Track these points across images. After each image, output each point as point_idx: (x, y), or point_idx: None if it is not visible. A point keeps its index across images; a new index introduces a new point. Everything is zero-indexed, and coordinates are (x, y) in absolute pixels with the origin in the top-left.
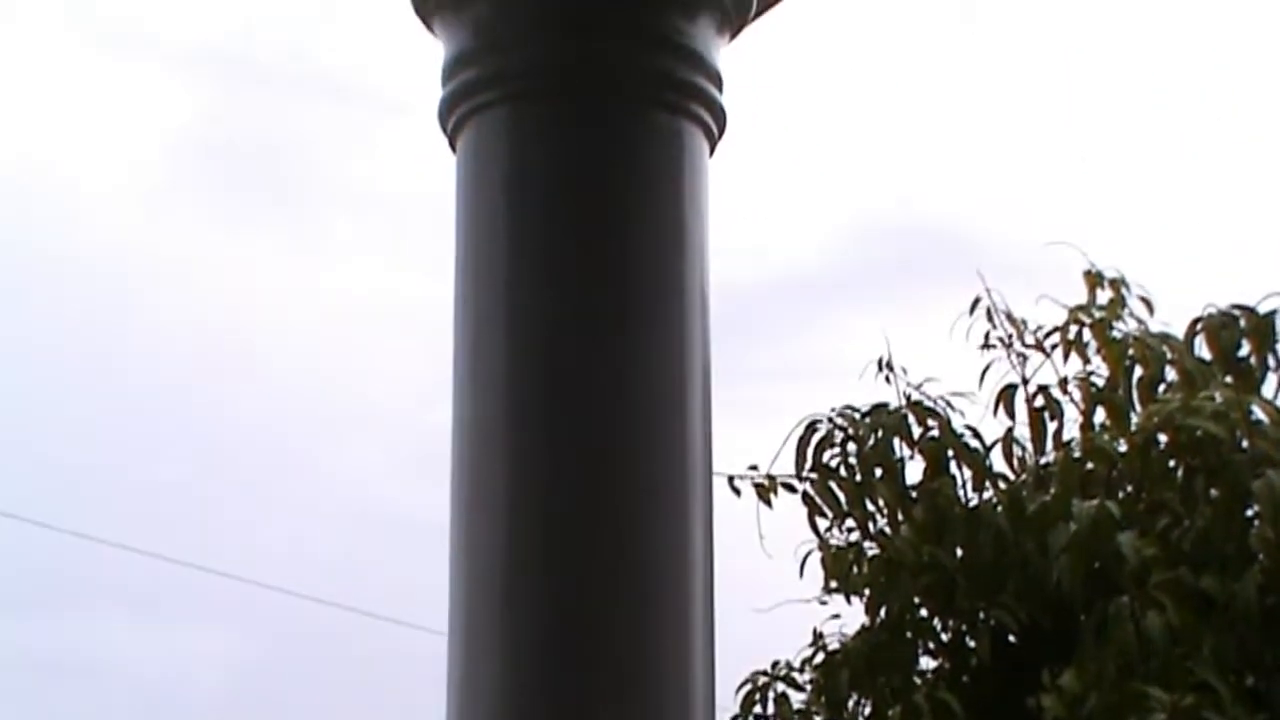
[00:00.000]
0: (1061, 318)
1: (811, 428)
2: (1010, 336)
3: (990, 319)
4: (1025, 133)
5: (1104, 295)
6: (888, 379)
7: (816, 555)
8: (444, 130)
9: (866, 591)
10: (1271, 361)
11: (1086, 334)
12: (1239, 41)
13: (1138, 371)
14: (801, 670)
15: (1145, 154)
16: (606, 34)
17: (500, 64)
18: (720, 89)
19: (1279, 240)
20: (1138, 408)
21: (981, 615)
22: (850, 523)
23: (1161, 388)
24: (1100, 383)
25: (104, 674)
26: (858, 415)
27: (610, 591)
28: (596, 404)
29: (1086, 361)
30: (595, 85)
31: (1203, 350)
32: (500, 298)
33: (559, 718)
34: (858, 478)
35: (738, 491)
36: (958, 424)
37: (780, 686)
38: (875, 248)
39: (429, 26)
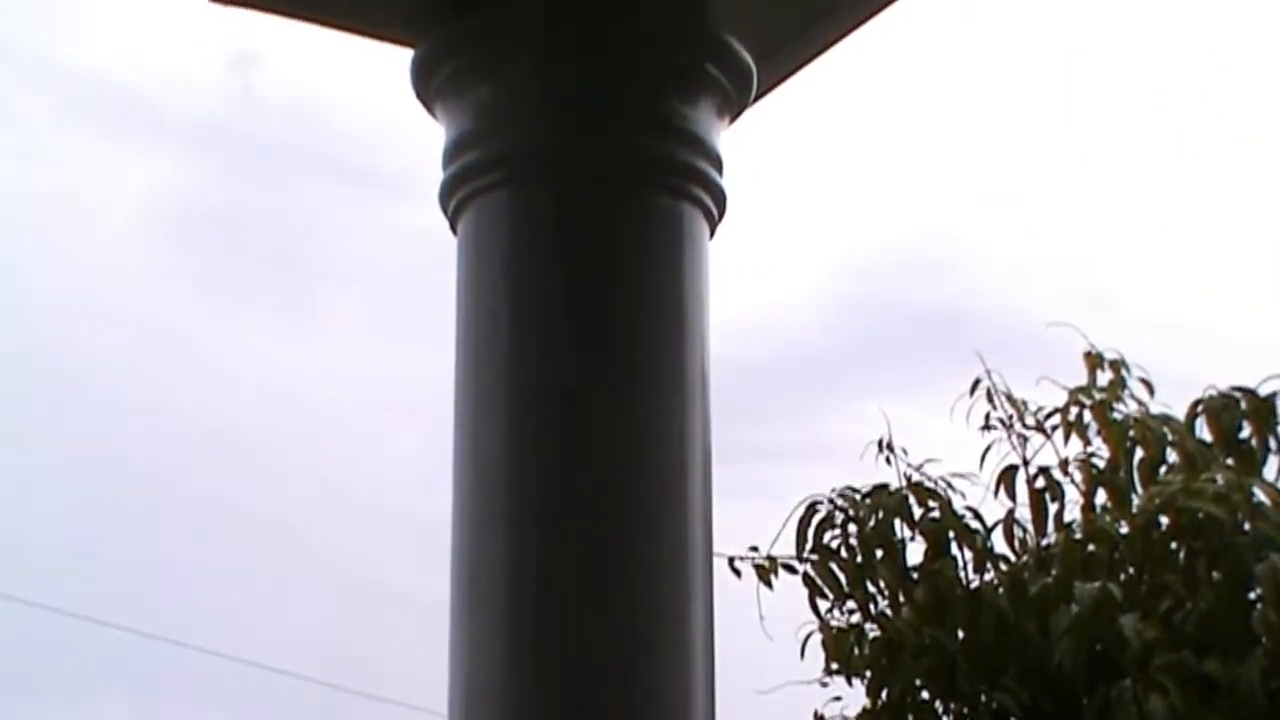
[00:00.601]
0: (1062, 399)
1: (812, 508)
2: (1011, 417)
3: (991, 400)
4: (1024, 208)
5: (1104, 377)
6: (888, 460)
7: (817, 637)
8: (445, 212)
9: (868, 673)
10: (1272, 444)
11: (1087, 415)
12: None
13: (1139, 453)
14: None
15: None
16: (607, 118)
17: (501, 148)
18: (720, 172)
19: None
20: (1139, 489)
21: (983, 698)
22: (851, 604)
23: (1163, 469)
24: (1101, 464)
25: None
26: (858, 496)
27: (611, 675)
28: (596, 487)
29: (1087, 443)
30: (596, 169)
31: (1204, 432)
32: (501, 380)
33: None
34: (858, 559)
35: (738, 572)
36: (959, 505)
37: None
38: (875, 326)
39: (430, 109)
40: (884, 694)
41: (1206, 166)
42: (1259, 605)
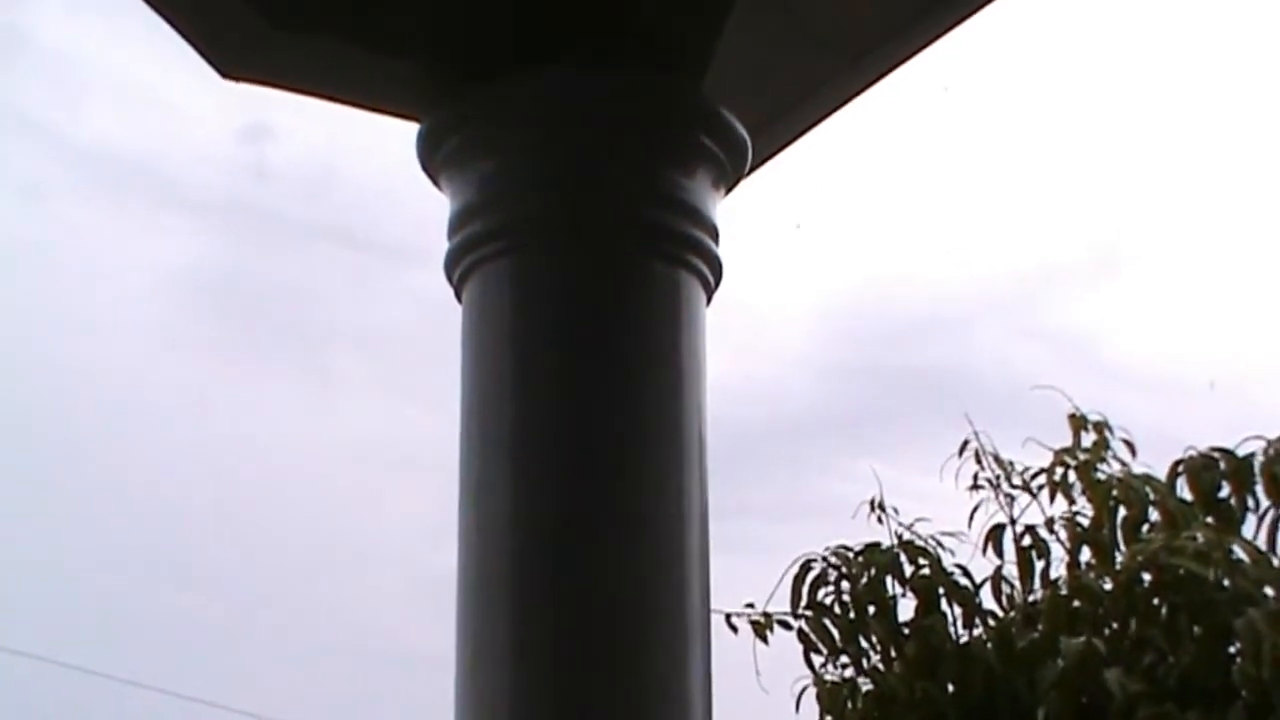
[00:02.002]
0: (1048, 459)
1: (806, 566)
2: (998, 477)
3: (978, 460)
4: (1009, 274)
5: (1088, 438)
6: (880, 518)
7: (812, 691)
8: (450, 280)
9: None
10: (1251, 503)
11: (1072, 476)
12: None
13: (1121, 512)
14: None
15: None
16: (605, 189)
17: (503, 218)
18: (717, 240)
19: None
20: (1122, 547)
21: None
22: (845, 659)
23: (1145, 528)
24: (1085, 523)
25: None
26: (851, 554)
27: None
28: (598, 548)
29: (1072, 502)
30: (596, 238)
31: (1184, 491)
32: (505, 443)
33: None
34: (851, 615)
35: (735, 629)
36: (948, 563)
37: None
38: (866, 389)
39: (436, 181)
40: None
41: (1188, 229)
42: (1238, 659)
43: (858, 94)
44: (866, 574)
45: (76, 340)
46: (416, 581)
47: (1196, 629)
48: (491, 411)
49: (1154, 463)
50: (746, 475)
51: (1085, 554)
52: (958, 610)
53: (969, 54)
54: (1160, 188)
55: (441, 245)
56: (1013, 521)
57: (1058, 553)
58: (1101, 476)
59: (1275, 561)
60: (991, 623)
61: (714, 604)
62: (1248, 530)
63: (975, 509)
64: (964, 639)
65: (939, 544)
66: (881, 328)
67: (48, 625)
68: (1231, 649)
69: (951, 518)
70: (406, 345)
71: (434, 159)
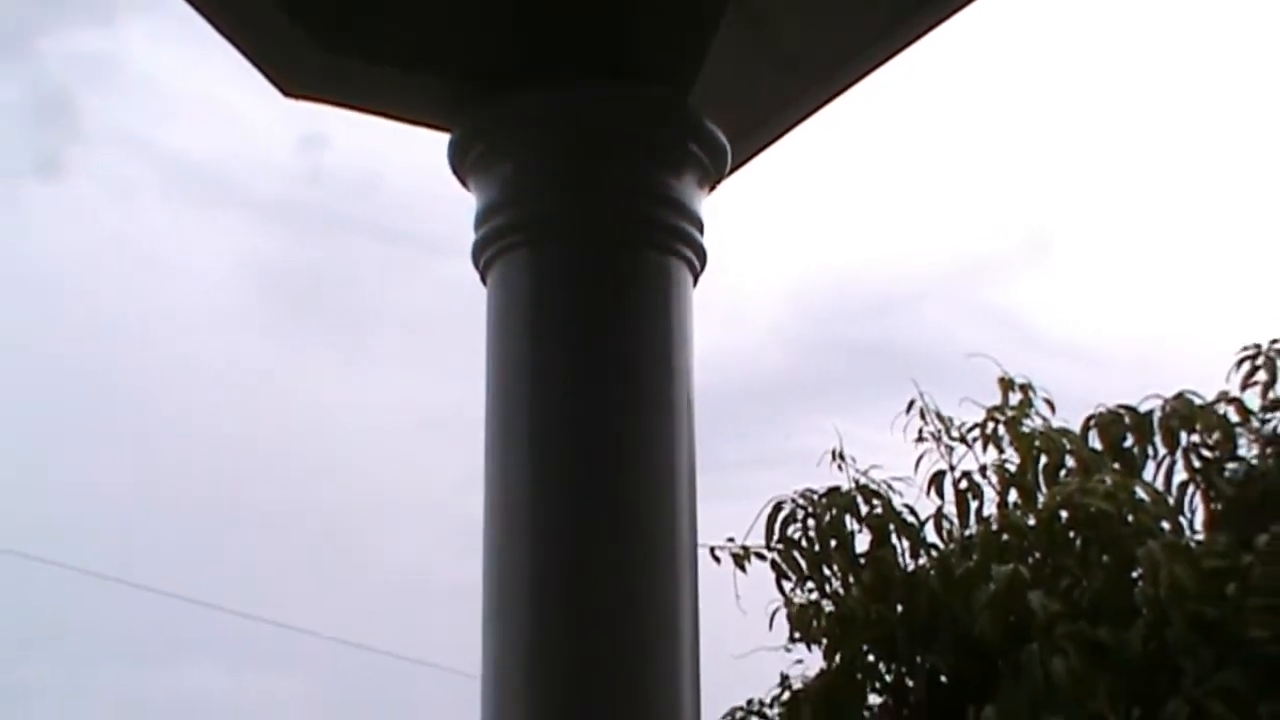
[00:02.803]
0: (981, 416)
1: (778, 507)
2: (939, 431)
3: (923, 417)
4: (953, 259)
5: (1015, 397)
6: (840, 467)
7: (783, 612)
8: (476, 267)
9: (824, 641)
10: (1150, 451)
11: (1001, 429)
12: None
13: (1043, 460)
14: (771, 706)
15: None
16: (607, 189)
17: (521, 214)
18: (701, 232)
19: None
20: (1043, 489)
21: (918, 660)
22: (810, 585)
23: (1062, 473)
24: (1012, 469)
25: (210, 708)
26: (815, 496)
27: (617, 642)
28: (605, 494)
29: (1001, 452)
30: (600, 231)
31: (1095, 442)
32: (524, 408)
33: None
34: (816, 548)
35: (718, 559)
36: (897, 503)
37: None
38: (829, 358)
39: (464, 183)
40: (837, 658)
41: (1109, 219)
42: (1140, 583)
43: (823, 106)
44: (829, 513)
45: (160, 320)
46: (447, 522)
47: (1105, 558)
48: (512, 375)
49: (1070, 418)
50: (727, 431)
51: (1012, 495)
52: (906, 543)
53: (923, 53)
54: (1084, 182)
55: (469, 238)
56: (951, 468)
57: (989, 495)
58: (1026, 430)
59: (1170, 500)
60: (934, 554)
61: (700, 539)
62: (1148, 474)
63: (920, 458)
64: (911, 568)
65: (890, 488)
66: (843, 306)
67: (145, 555)
68: (1134, 574)
69: (900, 466)
70: (439, 324)
71: (462, 164)
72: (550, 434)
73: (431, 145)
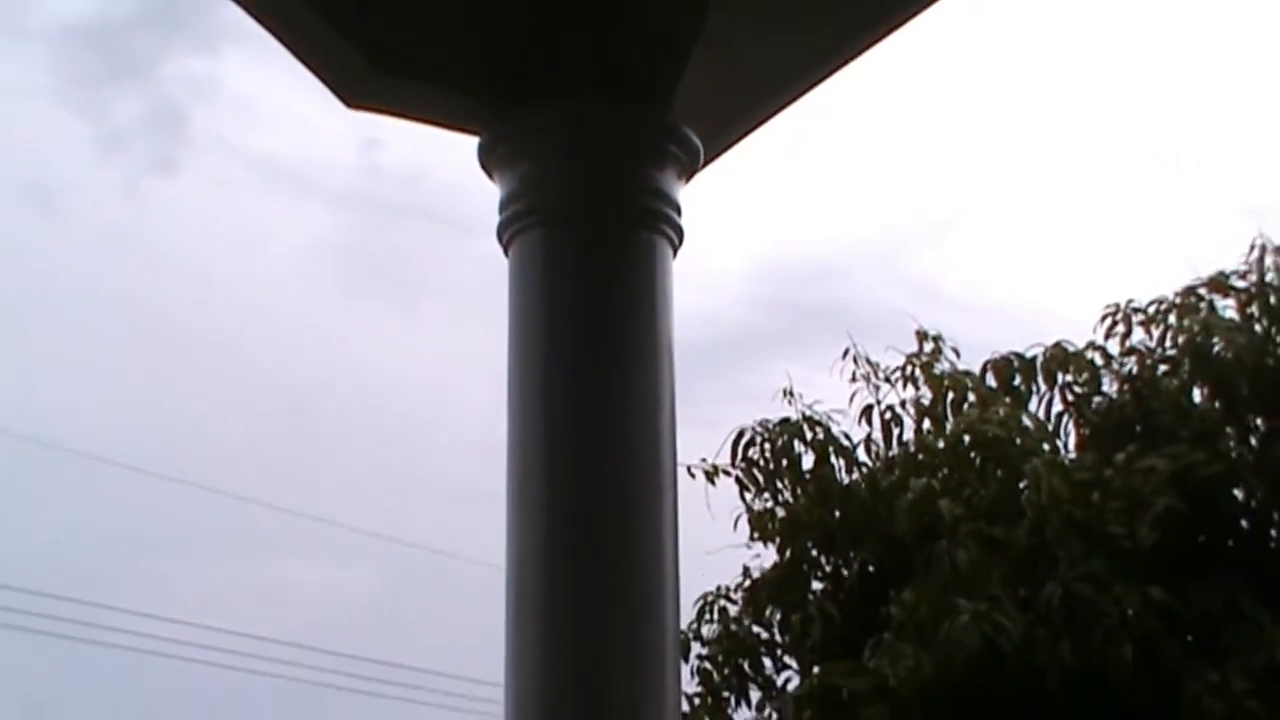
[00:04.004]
0: (901, 361)
1: (741, 434)
2: (869, 373)
3: (855, 362)
4: (883, 234)
5: (929, 346)
6: (790, 402)
7: (744, 517)
8: (500, 243)
9: (777, 540)
10: (1034, 388)
11: (918, 372)
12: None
13: (950, 395)
14: (736, 591)
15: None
16: (605, 182)
17: (536, 202)
18: (680, 215)
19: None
20: (950, 419)
21: (852, 555)
22: (766, 495)
23: (965, 406)
24: (926, 403)
25: (286, 596)
26: (771, 425)
27: (614, 540)
28: (605, 423)
29: (917, 389)
30: (598, 215)
31: (991, 381)
32: (537, 351)
33: (586, 610)
34: (771, 466)
35: (693, 475)
36: (836, 431)
37: (722, 603)
38: (780, 315)
39: (490, 176)
40: (787, 554)
41: (1010, 198)
42: (1025, 492)
43: (777, 113)
44: (781, 439)
45: (253, 285)
46: (481, 442)
47: (999, 472)
48: (529, 328)
49: (971, 363)
50: (700, 374)
51: (926, 424)
52: (842, 462)
53: (859, 69)
54: (982, 174)
55: (494, 220)
56: (878, 403)
57: (908, 423)
58: (937, 372)
59: (1049, 427)
60: (864, 470)
61: (679, 460)
62: (1032, 407)
63: (853, 395)
64: (846, 482)
65: (830, 419)
66: (791, 274)
67: (238, 467)
68: (1021, 485)
69: (838, 401)
70: (472, 288)
71: (489, 162)
72: (560, 374)
73: (464, 147)
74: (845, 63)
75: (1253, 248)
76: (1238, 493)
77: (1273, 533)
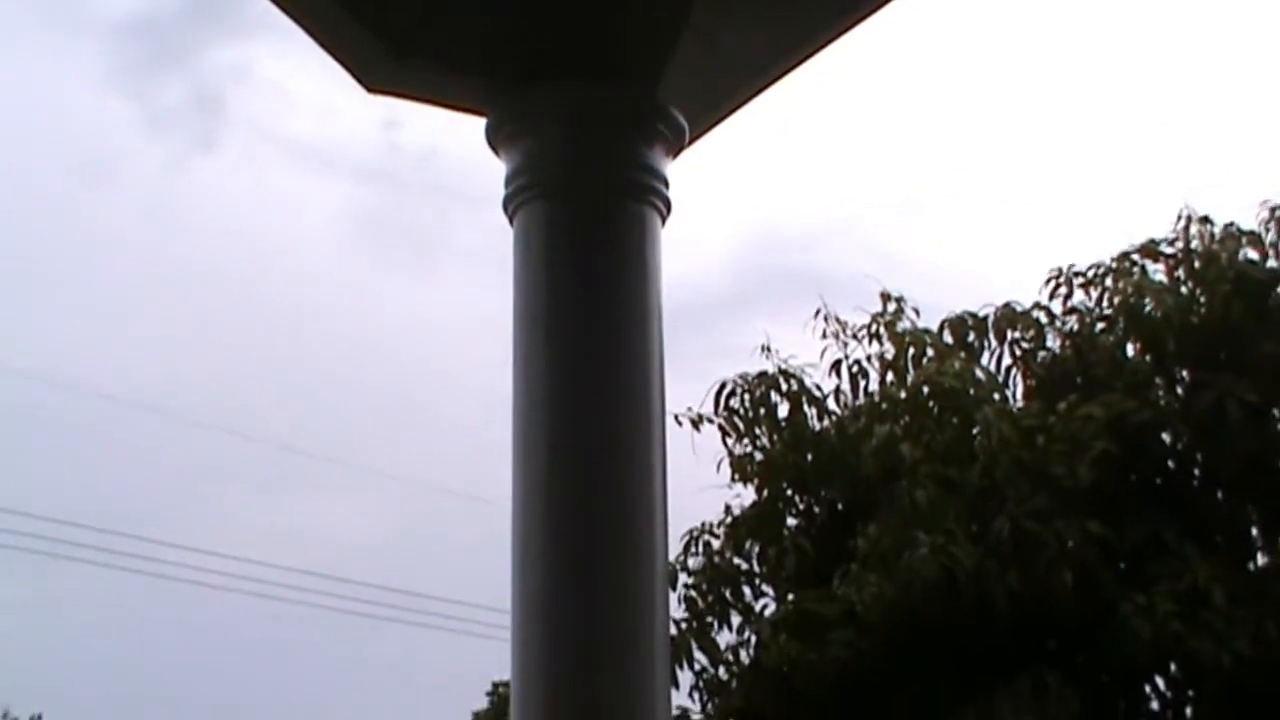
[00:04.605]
0: (867, 320)
1: (723, 386)
2: (838, 331)
3: (826, 321)
4: (853, 208)
5: (891, 307)
6: (767, 357)
7: (726, 460)
8: (505, 213)
9: (755, 481)
10: (986, 344)
11: (881, 330)
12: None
13: (910, 351)
14: (718, 527)
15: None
16: (600, 157)
17: (538, 175)
18: (668, 188)
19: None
20: (911, 372)
21: (822, 494)
22: (745, 441)
23: (924, 360)
24: (889, 358)
25: (311, 532)
26: (750, 378)
27: (608, 479)
28: (600, 374)
29: (881, 345)
30: (594, 187)
31: (947, 338)
32: (541, 312)
33: (584, 542)
34: (750, 414)
35: (680, 423)
36: (808, 383)
37: (706, 537)
38: (760, 280)
39: (496, 153)
40: (765, 493)
41: (971, 178)
42: (978, 437)
43: (756, 96)
44: (759, 390)
45: (286, 249)
46: (492, 390)
47: (954, 420)
48: (532, 288)
49: (930, 321)
50: (687, 331)
51: (889, 376)
52: (814, 411)
53: (834, 53)
54: (944, 157)
55: (500, 192)
56: (846, 358)
57: (873, 376)
58: (899, 330)
59: (999, 379)
60: (833, 418)
61: (668, 408)
62: (984, 360)
63: (824, 350)
64: (817, 428)
65: (803, 371)
66: (769, 242)
67: (274, 411)
68: (974, 431)
69: (810, 355)
70: (481, 253)
71: (496, 139)
72: (560, 330)
73: (473, 127)
74: (820, 48)
75: (1180, 218)
76: (1165, 437)
77: (1196, 473)
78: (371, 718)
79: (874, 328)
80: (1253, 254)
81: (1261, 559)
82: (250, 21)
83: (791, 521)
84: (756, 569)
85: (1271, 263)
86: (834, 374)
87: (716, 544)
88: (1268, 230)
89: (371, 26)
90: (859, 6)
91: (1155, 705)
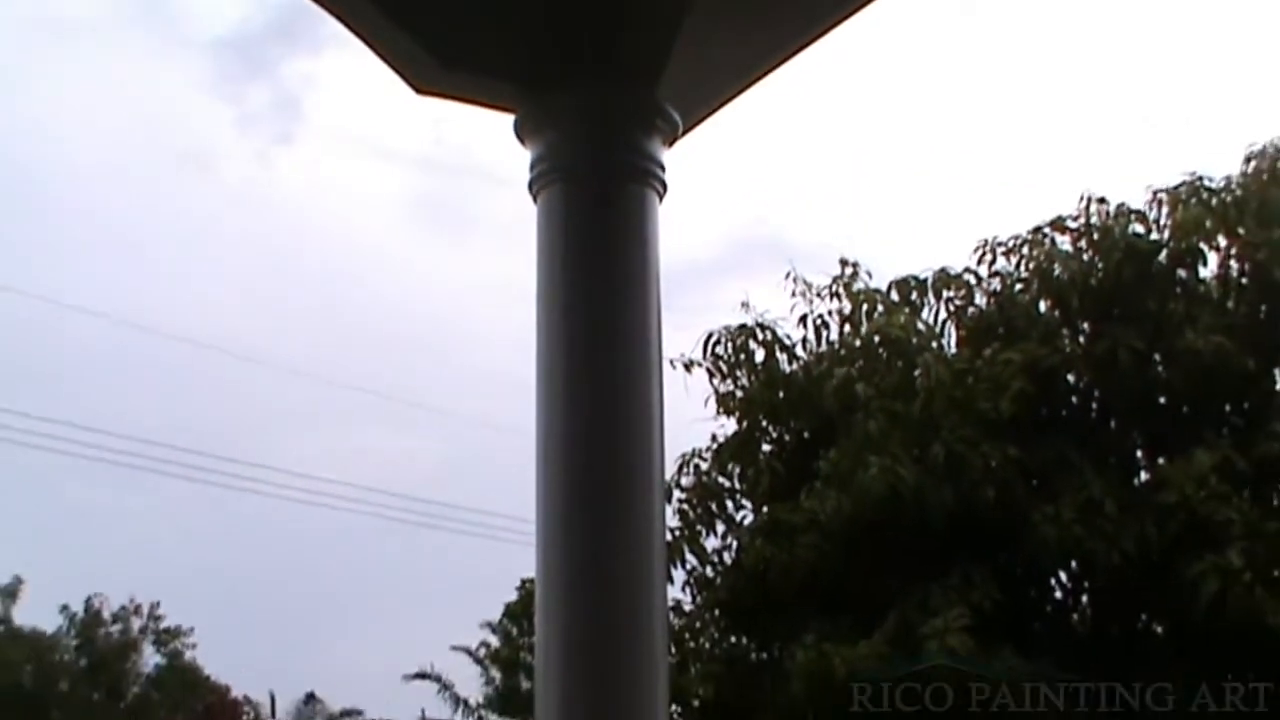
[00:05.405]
0: (828, 281)
1: (710, 335)
2: (804, 290)
3: (795, 282)
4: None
5: (849, 270)
6: (746, 311)
7: (713, 397)
8: (530, 194)
9: (736, 414)
10: (927, 301)
11: (840, 289)
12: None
13: (864, 307)
14: (706, 452)
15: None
16: (608, 147)
17: (557, 162)
18: (664, 171)
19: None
20: (864, 324)
21: (791, 424)
22: (729, 381)
23: (876, 314)
24: (847, 312)
25: (364, 462)
26: (732, 329)
27: (614, 415)
28: (609, 327)
29: (841, 302)
30: (602, 172)
31: (895, 296)
32: (559, 281)
33: (599, 464)
34: (732, 359)
35: (674, 366)
36: (780, 333)
37: (696, 460)
38: (743, 250)
39: (523, 144)
40: (744, 424)
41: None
42: (919, 377)
43: (742, 93)
44: (740, 339)
45: (350, 226)
46: (523, 346)
47: (900, 363)
48: (553, 259)
49: (880, 282)
50: (682, 290)
51: (846, 328)
52: (785, 356)
53: (814, 54)
54: (900, 130)
55: (526, 178)
56: (811, 312)
57: (833, 327)
58: (855, 290)
59: (937, 329)
60: (801, 362)
61: (665, 354)
62: (925, 315)
63: (793, 306)
64: (788, 371)
65: (776, 324)
66: (749, 216)
67: (335, 354)
68: (916, 373)
69: (781, 311)
70: (512, 230)
71: (523, 132)
72: (575, 296)
73: (504, 121)
74: (801, 49)
75: (1082, 198)
76: (1070, 377)
77: (1094, 406)
78: (424, 606)
79: (834, 288)
80: (1139, 228)
81: (1144, 476)
82: (321, 37)
83: (766, 447)
84: (737, 486)
85: (1154, 235)
86: (801, 326)
87: (704, 466)
88: (1151, 209)
89: (420, 38)
90: (841, 8)
91: (1059, 595)
